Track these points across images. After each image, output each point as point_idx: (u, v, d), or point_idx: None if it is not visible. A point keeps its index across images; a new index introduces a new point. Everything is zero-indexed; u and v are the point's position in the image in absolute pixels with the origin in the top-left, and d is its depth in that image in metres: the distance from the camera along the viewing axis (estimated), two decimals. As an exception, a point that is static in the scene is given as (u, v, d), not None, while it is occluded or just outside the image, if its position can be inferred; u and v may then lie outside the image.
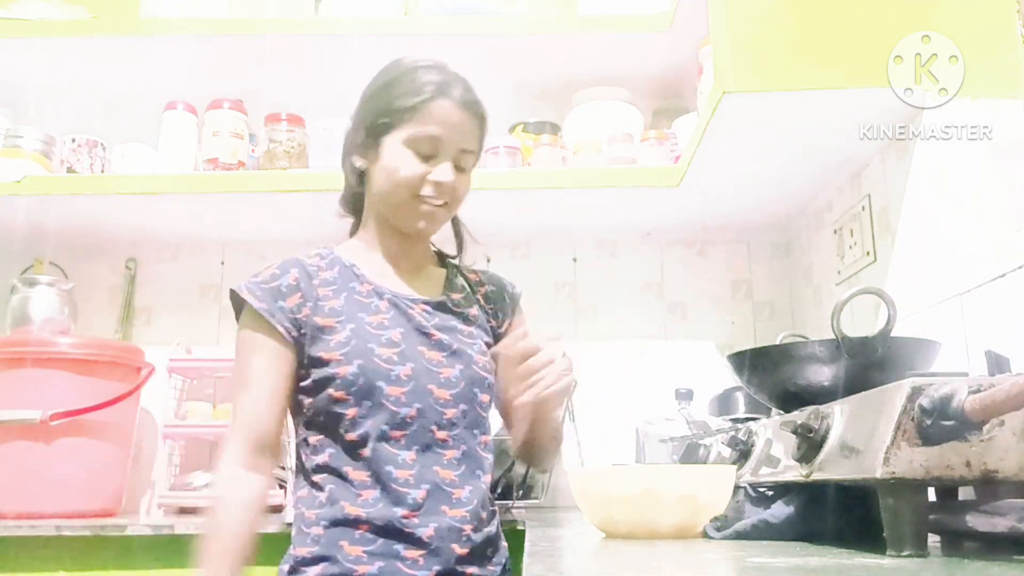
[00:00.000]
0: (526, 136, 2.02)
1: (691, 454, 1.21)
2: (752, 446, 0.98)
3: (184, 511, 1.89)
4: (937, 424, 0.63)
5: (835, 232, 1.79)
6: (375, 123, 1.14)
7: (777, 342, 1.14)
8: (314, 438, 1.10)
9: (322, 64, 2.01)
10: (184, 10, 1.96)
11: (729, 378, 1.94)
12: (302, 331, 1.11)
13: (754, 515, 0.84)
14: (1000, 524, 0.66)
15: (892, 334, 0.90)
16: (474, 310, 1.20)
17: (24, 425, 1.69)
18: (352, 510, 1.04)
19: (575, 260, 2.18)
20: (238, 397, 1.14)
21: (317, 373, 1.09)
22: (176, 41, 1.94)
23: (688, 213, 2.02)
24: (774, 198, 1.92)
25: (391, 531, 1.03)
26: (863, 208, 1.63)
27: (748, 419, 1.31)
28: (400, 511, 1.03)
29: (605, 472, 0.93)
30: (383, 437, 1.07)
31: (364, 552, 1.03)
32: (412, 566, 1.02)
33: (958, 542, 0.72)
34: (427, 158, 1.12)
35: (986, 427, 0.63)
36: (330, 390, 1.08)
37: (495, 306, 1.24)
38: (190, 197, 1.90)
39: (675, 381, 1.88)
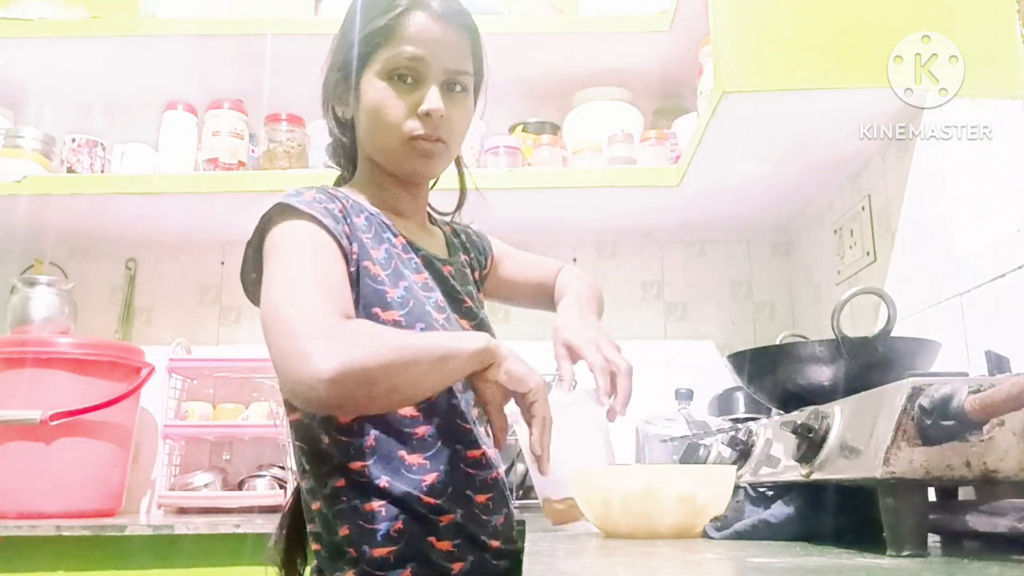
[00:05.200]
0: (526, 136, 2.02)
1: (691, 454, 1.21)
2: (752, 446, 0.98)
3: (184, 511, 1.89)
4: (937, 424, 0.63)
5: (835, 232, 1.79)
6: (347, 59, 1.00)
7: (777, 342, 1.14)
8: (349, 417, 0.93)
9: (322, 64, 2.00)
10: (184, 10, 1.96)
11: (729, 378, 1.94)
12: (351, 269, 0.92)
13: (754, 515, 0.84)
14: (1000, 524, 0.66)
15: (892, 334, 0.90)
16: (473, 272, 1.14)
17: (24, 425, 1.69)
18: (427, 499, 0.92)
19: (575, 260, 2.18)
20: (312, 290, 0.85)
21: None
22: (176, 41, 1.94)
23: (688, 213, 2.02)
24: (774, 198, 1.92)
25: (471, 520, 0.94)
26: (863, 208, 1.63)
27: (748, 419, 1.31)
28: (477, 497, 0.95)
29: (605, 472, 0.93)
30: (447, 414, 0.95)
31: (454, 546, 0.93)
32: (496, 556, 0.94)
33: (958, 542, 0.72)
34: (411, 88, 0.97)
35: (986, 427, 0.63)
36: None
37: (474, 256, 1.17)
38: (190, 197, 1.90)
39: (675, 381, 1.88)
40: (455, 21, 0.99)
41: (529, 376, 0.87)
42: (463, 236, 1.19)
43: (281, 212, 0.92)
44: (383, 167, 1.04)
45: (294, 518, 1.05)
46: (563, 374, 1.01)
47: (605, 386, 0.96)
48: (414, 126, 0.97)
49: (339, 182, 1.11)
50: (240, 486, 1.93)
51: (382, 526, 0.92)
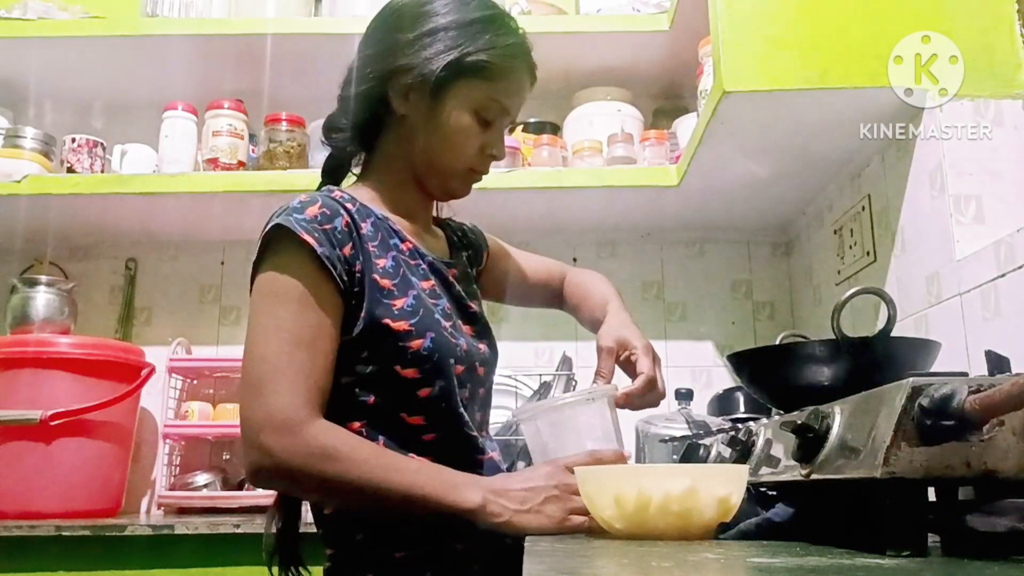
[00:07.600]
0: (526, 136, 2.02)
1: (691, 454, 1.21)
2: (752, 446, 0.98)
3: (184, 511, 1.89)
4: (937, 424, 0.63)
5: (835, 232, 1.79)
6: (441, 67, 0.95)
7: (777, 342, 1.14)
8: (354, 425, 0.93)
9: (322, 64, 2.00)
10: (184, 10, 1.96)
11: (729, 378, 1.94)
12: (355, 289, 0.91)
13: (756, 515, 0.84)
14: (1000, 524, 0.66)
15: (892, 334, 0.90)
16: (472, 270, 1.15)
17: (24, 425, 1.69)
18: None
19: (575, 260, 2.18)
20: (291, 352, 0.87)
21: (376, 345, 0.91)
22: (176, 41, 1.94)
23: (688, 213, 2.02)
24: (774, 198, 1.92)
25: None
26: (863, 208, 1.63)
27: (748, 419, 1.31)
28: None
29: (608, 471, 0.93)
30: (453, 423, 0.95)
31: (472, 546, 0.93)
32: (512, 555, 0.91)
33: (958, 542, 0.72)
34: (485, 127, 1.00)
35: (986, 427, 0.63)
36: (396, 366, 0.91)
37: (471, 253, 1.17)
38: (190, 197, 1.90)
39: (675, 381, 1.88)
40: (534, 81, 1.05)
41: (534, 521, 0.87)
42: (459, 234, 1.19)
43: (279, 237, 0.90)
44: (418, 176, 1.04)
45: (289, 512, 1.02)
46: (603, 370, 1.04)
47: (640, 390, 1.02)
48: (478, 162, 1.02)
49: (334, 167, 1.07)
50: (240, 486, 1.93)
51: (400, 530, 0.92)
